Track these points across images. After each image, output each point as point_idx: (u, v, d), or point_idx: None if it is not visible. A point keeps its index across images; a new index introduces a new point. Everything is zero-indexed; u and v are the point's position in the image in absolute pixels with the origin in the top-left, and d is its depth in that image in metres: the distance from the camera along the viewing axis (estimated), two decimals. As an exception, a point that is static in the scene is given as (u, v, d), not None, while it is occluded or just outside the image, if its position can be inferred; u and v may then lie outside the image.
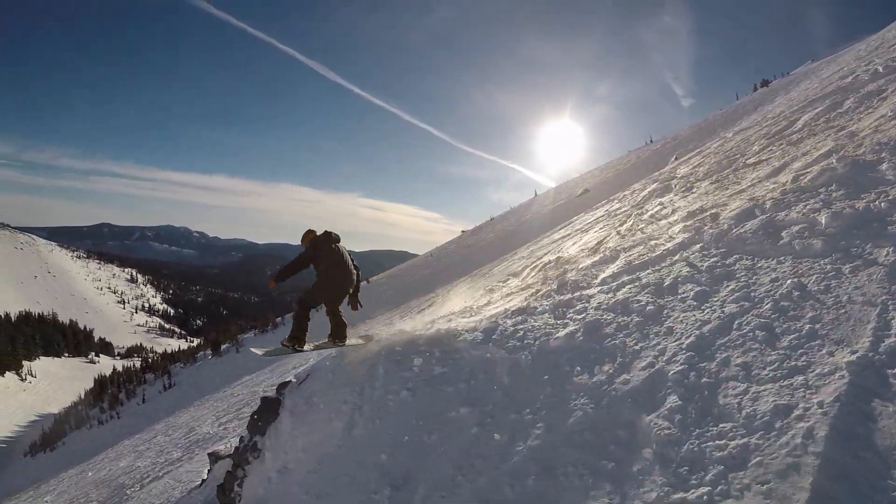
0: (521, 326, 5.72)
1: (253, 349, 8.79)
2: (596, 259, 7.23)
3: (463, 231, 54.77)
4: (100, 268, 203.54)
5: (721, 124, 26.07)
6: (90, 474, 19.24)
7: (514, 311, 6.29)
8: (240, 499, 5.72)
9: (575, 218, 16.22)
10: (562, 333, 5.25)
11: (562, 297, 6.19)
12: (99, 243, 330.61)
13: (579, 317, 5.52)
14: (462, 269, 25.43)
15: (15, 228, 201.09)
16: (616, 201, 13.39)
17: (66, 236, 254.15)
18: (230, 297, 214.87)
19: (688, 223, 6.89)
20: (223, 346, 52.14)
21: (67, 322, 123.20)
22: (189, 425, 19.15)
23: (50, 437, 54.91)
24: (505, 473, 3.94)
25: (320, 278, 7.82)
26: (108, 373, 74.81)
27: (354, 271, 7.99)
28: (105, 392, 62.74)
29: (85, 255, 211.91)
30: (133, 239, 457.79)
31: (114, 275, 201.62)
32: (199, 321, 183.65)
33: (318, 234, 8.16)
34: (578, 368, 4.64)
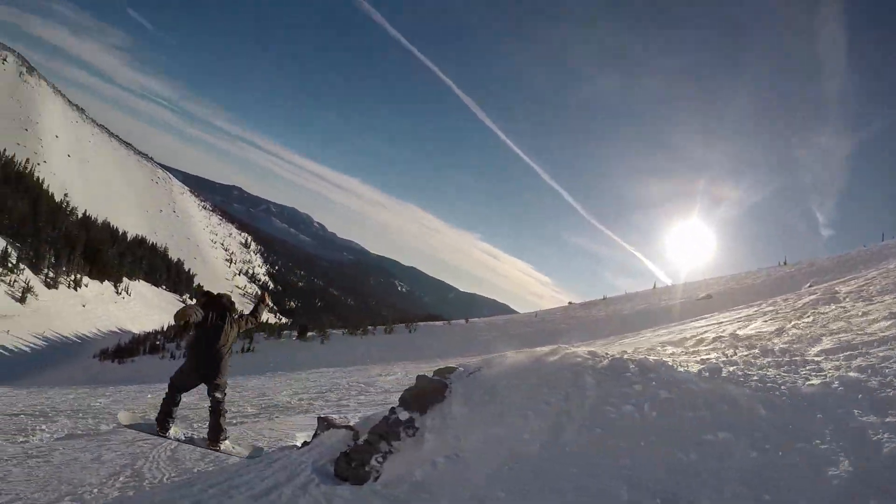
0: (750, 373, 5.35)
1: (119, 415, 8.19)
2: (788, 338, 6.88)
3: (570, 302, 52.49)
4: (220, 224, 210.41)
5: (865, 261, 23.07)
6: (149, 396, 18.64)
7: (726, 361, 5.96)
8: (377, 474, 4.84)
9: (708, 314, 15.52)
10: (815, 382, 4.86)
11: (781, 359, 5.85)
12: (226, 203, 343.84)
13: (821, 374, 5.11)
14: (576, 336, 24.63)
15: (157, 163, 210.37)
16: (765, 305, 12.50)
17: (199, 185, 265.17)
18: (329, 292, 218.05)
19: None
20: (309, 334, 51.21)
21: (175, 260, 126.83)
22: (261, 390, 18.30)
23: (122, 351, 55.29)
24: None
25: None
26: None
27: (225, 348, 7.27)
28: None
29: (210, 208, 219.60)
30: (258, 209, 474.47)
31: (230, 234, 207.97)
32: (292, 303, 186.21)
33: (212, 296, 7.47)
34: (857, 412, 4.18)
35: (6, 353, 51.09)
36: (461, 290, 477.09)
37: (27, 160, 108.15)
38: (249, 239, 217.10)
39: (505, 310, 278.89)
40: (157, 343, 58.50)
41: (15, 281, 67.95)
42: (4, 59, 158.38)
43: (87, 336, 66.95)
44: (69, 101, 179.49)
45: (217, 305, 7.39)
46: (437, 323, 53.41)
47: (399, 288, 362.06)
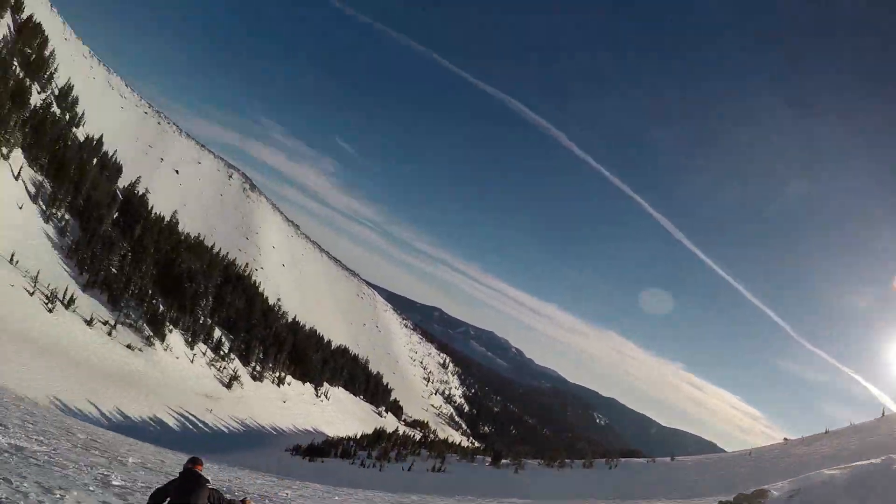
0: None
1: None
2: None
3: (786, 438, 47.36)
4: (420, 342, 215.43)
5: None
6: (336, 498, 18.94)
7: None
8: None
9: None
10: None
11: None
12: (426, 323, 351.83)
13: None
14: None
15: (363, 279, 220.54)
16: None
17: (401, 304, 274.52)
18: (525, 420, 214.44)
19: None
20: (503, 461, 49.82)
21: (374, 372, 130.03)
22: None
23: (314, 450, 56.59)
24: None
25: None
26: (390, 429, 77.72)
27: None
28: (379, 442, 63.53)
29: (411, 327, 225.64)
30: (457, 331, 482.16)
31: (429, 353, 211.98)
32: (486, 428, 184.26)
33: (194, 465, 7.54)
34: None
35: (206, 429, 53.62)
36: (663, 424, 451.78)
37: (247, 264, 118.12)
38: (448, 360, 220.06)
39: (710, 447, 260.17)
40: (349, 448, 59.09)
41: (224, 367, 72.67)
42: (230, 177, 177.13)
43: (283, 430, 69.31)
44: (286, 216, 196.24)
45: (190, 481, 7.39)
46: (639, 460, 50.78)
47: (597, 420, 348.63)
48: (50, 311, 51.43)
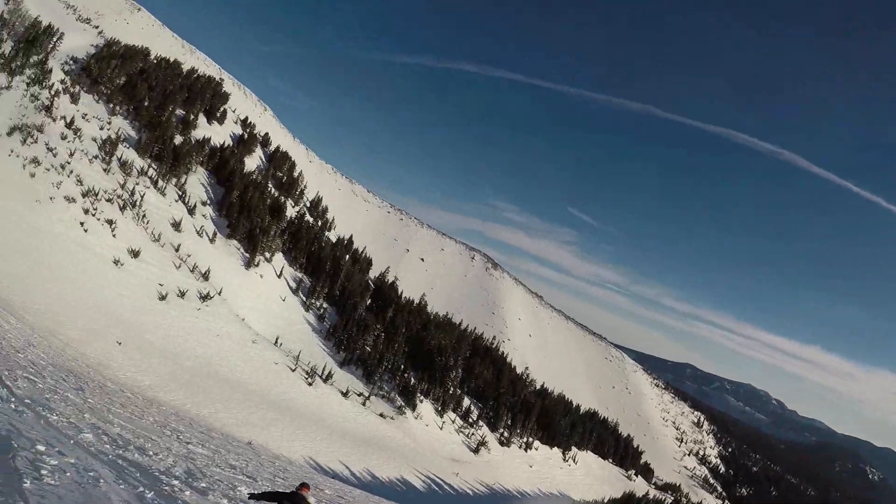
0: None
1: None
2: None
3: None
4: (672, 402, 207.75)
5: None
6: None
7: None
8: None
9: None
10: None
11: None
12: (678, 381, 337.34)
13: None
14: None
15: (610, 343, 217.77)
16: None
17: (651, 364, 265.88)
18: (786, 479, 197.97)
19: None
20: None
21: (624, 435, 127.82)
22: None
23: None
24: None
25: None
26: (640, 492, 76.30)
27: None
28: None
29: (662, 386, 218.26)
30: (711, 387, 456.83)
31: (682, 413, 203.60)
32: (743, 490, 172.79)
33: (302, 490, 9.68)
34: None
35: (451, 491, 56.21)
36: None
37: (494, 337, 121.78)
38: (702, 418, 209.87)
39: None
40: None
41: (472, 434, 75.06)
42: (473, 258, 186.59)
43: (528, 493, 70.48)
44: (528, 288, 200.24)
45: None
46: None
47: (870, 475, 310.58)
48: (309, 384, 57.85)
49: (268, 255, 73.97)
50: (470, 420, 77.56)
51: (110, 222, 54.37)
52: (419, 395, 71.50)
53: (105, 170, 60.26)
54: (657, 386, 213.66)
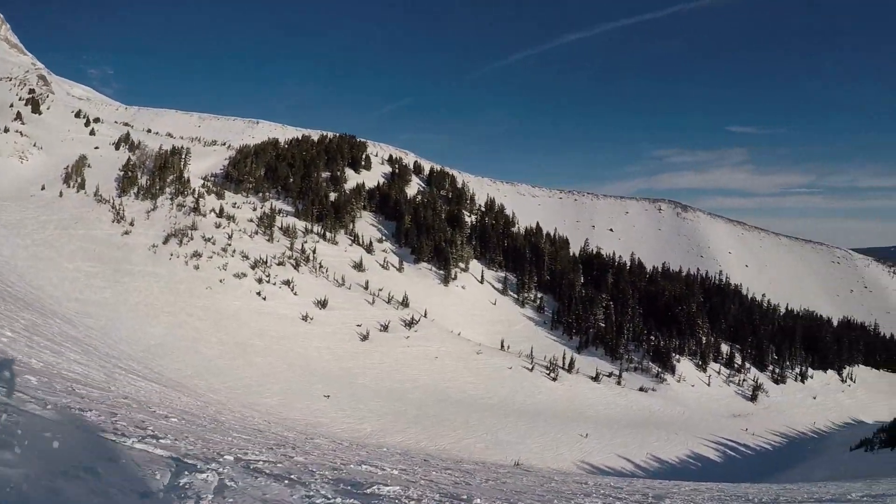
0: None
1: None
2: None
3: None
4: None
5: None
6: None
7: None
8: None
9: None
10: None
11: None
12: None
13: None
14: None
15: (830, 245, 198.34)
16: None
17: (879, 255, 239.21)
18: None
19: None
20: None
21: (888, 336, 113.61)
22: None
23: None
24: None
25: None
26: None
27: None
28: None
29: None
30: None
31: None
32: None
33: None
34: None
35: (749, 451, 48.51)
36: None
37: (718, 273, 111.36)
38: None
39: None
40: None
41: (743, 380, 67.62)
42: (660, 210, 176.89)
43: (821, 429, 61.50)
44: (727, 219, 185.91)
45: None
46: None
47: None
48: (553, 379, 53.42)
49: (462, 265, 70.82)
50: (735, 366, 69.78)
51: (288, 283, 53.93)
52: (674, 354, 65.00)
53: (268, 240, 60.70)
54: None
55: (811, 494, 13.69)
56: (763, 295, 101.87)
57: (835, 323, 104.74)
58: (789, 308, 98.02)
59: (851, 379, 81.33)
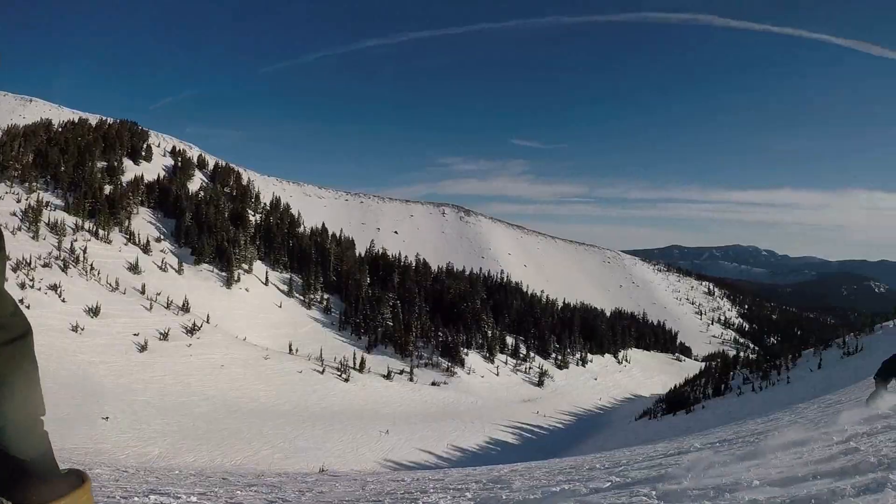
0: None
1: None
2: None
3: None
4: (678, 280, 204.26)
5: None
6: None
7: None
8: None
9: None
10: None
11: None
12: (670, 264, 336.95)
13: None
14: None
15: (600, 247, 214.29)
16: None
17: (641, 256, 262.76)
18: (805, 316, 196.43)
19: None
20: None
21: (655, 322, 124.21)
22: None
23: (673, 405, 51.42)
24: None
25: None
26: (694, 371, 72.36)
27: None
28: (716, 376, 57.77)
29: (665, 269, 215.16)
30: (703, 258, 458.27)
31: (692, 287, 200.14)
32: (773, 339, 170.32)
33: None
34: None
35: (543, 431, 50.15)
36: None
37: (500, 273, 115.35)
38: (711, 286, 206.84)
39: None
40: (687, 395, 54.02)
41: (530, 368, 70.55)
42: (444, 213, 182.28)
43: (605, 405, 65.40)
44: (507, 223, 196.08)
45: None
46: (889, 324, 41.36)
47: (876, 289, 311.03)
48: (346, 380, 51.93)
49: (245, 266, 66.56)
50: (521, 355, 72.31)
51: (55, 287, 46.57)
52: (462, 348, 65.56)
53: (33, 237, 52.37)
54: (660, 271, 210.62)
55: (639, 456, 12.98)
56: (542, 291, 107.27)
57: (608, 314, 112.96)
58: (566, 302, 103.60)
59: (627, 360, 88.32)
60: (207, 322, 52.49)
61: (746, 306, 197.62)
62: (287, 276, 70.93)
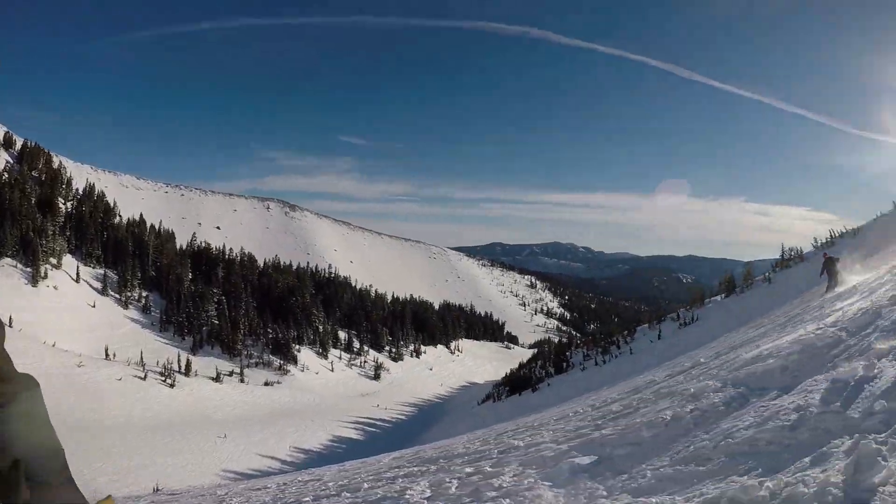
0: None
1: None
2: None
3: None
4: (502, 275, 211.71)
5: None
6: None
7: None
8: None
9: None
10: None
11: None
12: (494, 260, 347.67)
13: None
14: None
15: (427, 244, 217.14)
16: None
17: (465, 253, 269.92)
18: (621, 305, 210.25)
19: None
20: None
21: (482, 314, 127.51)
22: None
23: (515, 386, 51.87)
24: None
25: None
26: (526, 356, 74.52)
27: None
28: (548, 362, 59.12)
29: (489, 264, 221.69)
30: (524, 255, 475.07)
31: (515, 281, 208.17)
32: (592, 326, 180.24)
33: None
34: None
35: (387, 424, 49.11)
36: (746, 260, 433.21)
37: (327, 267, 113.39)
38: (533, 279, 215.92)
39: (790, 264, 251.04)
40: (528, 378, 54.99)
41: (365, 362, 70.34)
42: (268, 208, 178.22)
43: (443, 394, 65.65)
44: (333, 219, 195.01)
45: None
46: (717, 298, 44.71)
47: (683, 280, 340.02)
48: (171, 386, 48.37)
49: (54, 260, 59.09)
50: (355, 349, 71.91)
51: None
52: (293, 345, 63.61)
53: None
54: (484, 266, 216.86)
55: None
56: (370, 285, 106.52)
57: (437, 306, 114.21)
58: (395, 296, 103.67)
59: (459, 350, 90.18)
60: (10, 326, 46.43)
61: (567, 297, 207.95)
62: (101, 271, 64.32)
